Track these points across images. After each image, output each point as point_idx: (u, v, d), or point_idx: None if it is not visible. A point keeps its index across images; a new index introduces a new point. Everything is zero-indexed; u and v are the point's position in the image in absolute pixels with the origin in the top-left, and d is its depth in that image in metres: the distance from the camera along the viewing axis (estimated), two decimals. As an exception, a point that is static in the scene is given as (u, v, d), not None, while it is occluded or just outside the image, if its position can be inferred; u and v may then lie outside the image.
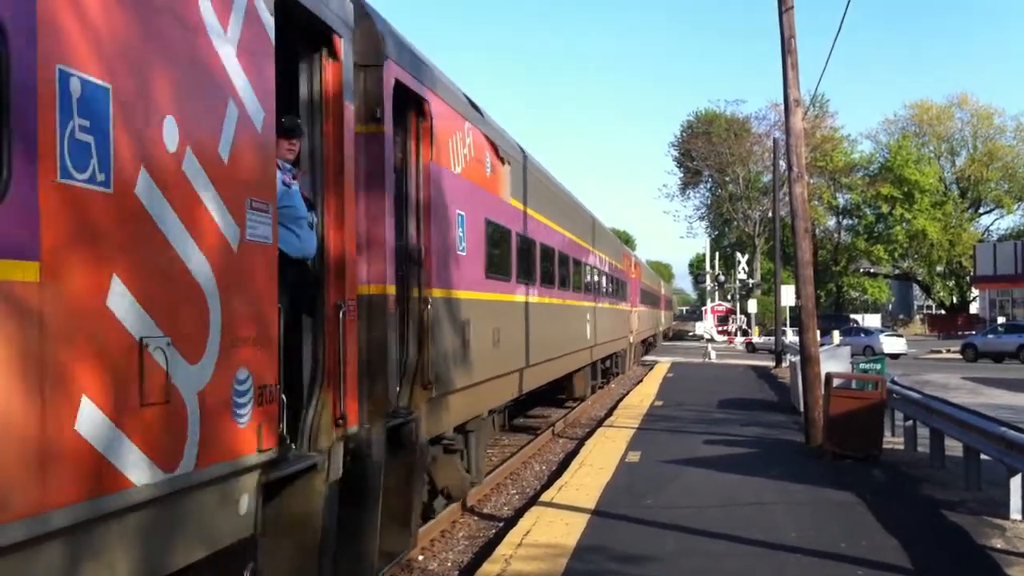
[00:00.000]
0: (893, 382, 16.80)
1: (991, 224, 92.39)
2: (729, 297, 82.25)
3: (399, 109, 8.60)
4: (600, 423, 20.38)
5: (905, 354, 48.94)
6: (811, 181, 71.85)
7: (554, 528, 10.11)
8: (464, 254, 10.88)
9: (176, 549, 4.81)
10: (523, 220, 14.88)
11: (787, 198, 17.49)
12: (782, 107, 17.88)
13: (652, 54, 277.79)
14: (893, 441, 16.36)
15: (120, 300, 4.28)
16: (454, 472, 11.23)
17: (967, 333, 63.41)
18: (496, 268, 12.71)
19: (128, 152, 4.32)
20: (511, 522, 11.19)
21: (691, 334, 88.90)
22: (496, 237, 12.74)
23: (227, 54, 5.28)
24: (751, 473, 13.35)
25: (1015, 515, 10.49)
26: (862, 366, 18.52)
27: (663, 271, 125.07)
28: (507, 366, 13.57)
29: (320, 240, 6.87)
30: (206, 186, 5.01)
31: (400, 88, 8.42)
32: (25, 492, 3.62)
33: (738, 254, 79.01)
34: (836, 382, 15.12)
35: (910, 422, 15.54)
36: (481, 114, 12.08)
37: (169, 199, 4.66)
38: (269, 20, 5.81)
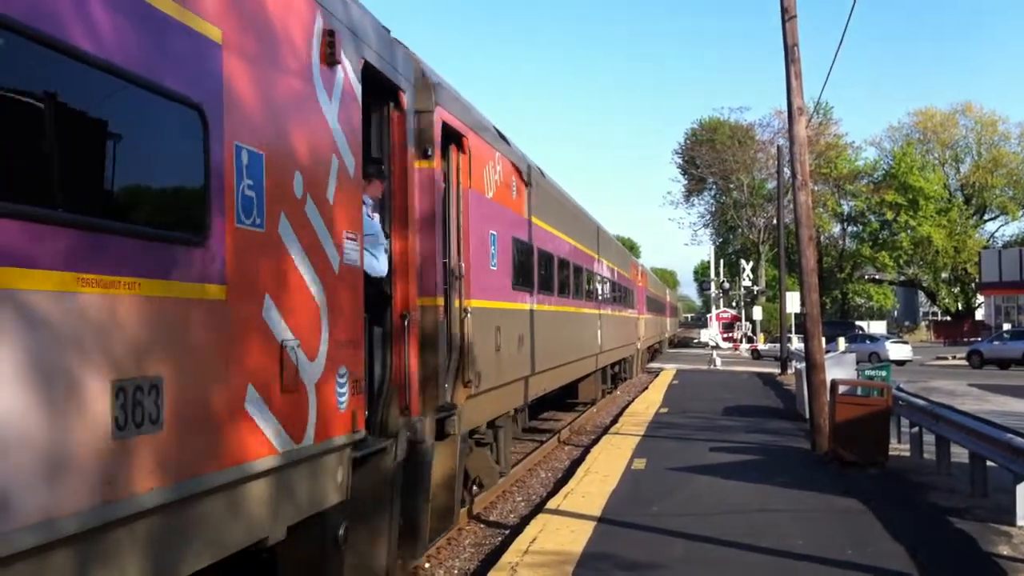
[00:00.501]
0: (899, 389, 16.79)
1: (996, 231, 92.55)
2: (734, 304, 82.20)
3: (444, 145, 9.87)
4: (606, 430, 20.38)
5: (911, 361, 48.86)
6: (815, 188, 71.84)
7: (560, 535, 10.13)
8: (495, 269, 12.37)
9: (299, 506, 6.19)
10: (543, 236, 16.31)
11: (791, 205, 17.51)
12: (786, 114, 17.92)
13: (656, 62, 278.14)
14: (899, 448, 16.35)
15: (269, 312, 5.72)
16: (485, 463, 12.75)
17: (973, 340, 63.31)
18: (521, 280, 14.18)
19: (274, 201, 5.77)
20: (517, 529, 11.21)
21: (696, 341, 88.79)
22: (521, 252, 14.21)
23: (331, 118, 6.74)
24: (757, 480, 13.35)
25: (1022, 522, 10.48)
26: (867, 373, 18.52)
27: (668, 278, 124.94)
28: (531, 368, 14.79)
29: (389, 260, 8.26)
30: (318, 223, 6.48)
31: (446, 128, 9.76)
32: (225, 451, 5.17)
33: (743, 261, 78.94)
34: (842, 389, 15.11)
35: (916, 429, 15.52)
36: (507, 143, 13.51)
37: (296, 235, 6.12)
38: (358, 86, 7.24)
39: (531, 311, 15.01)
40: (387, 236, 8.32)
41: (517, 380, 13.89)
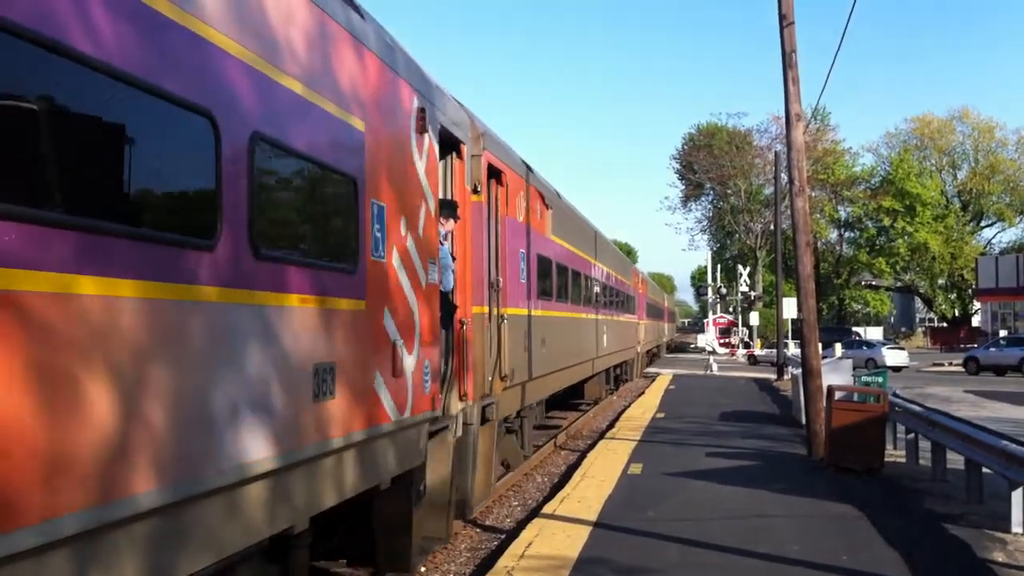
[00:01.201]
0: (895, 395, 16.81)
1: (993, 237, 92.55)
2: (731, 309, 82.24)
3: (488, 180, 12.03)
4: (602, 435, 20.39)
5: (907, 367, 48.94)
6: (813, 194, 71.93)
7: (556, 540, 10.13)
8: (524, 281, 14.64)
9: (403, 461, 8.35)
10: (560, 251, 18.62)
11: (789, 211, 17.53)
12: (783, 120, 17.95)
13: (654, 67, 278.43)
14: (895, 454, 16.37)
15: (387, 319, 7.85)
16: (512, 447, 15.19)
17: (969, 346, 63.41)
18: (543, 291, 16.52)
19: (390, 239, 7.92)
20: (513, 534, 11.20)
21: (693, 346, 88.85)
22: (543, 266, 16.57)
23: (421, 172, 8.84)
24: (753, 486, 13.37)
25: (1016, 528, 10.51)
26: (864, 379, 18.55)
27: (665, 283, 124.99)
28: (550, 367, 17.00)
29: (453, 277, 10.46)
30: (414, 253, 8.61)
31: (490, 167, 12.08)
32: (365, 416, 7.33)
33: (740, 266, 79.01)
34: (838, 395, 15.13)
35: (912, 435, 15.55)
36: (532, 172, 15.78)
37: (402, 263, 8.28)
38: (436, 145, 9.41)
39: (551, 317, 17.18)
40: (452, 258, 10.46)
41: (540, 377, 16.10)
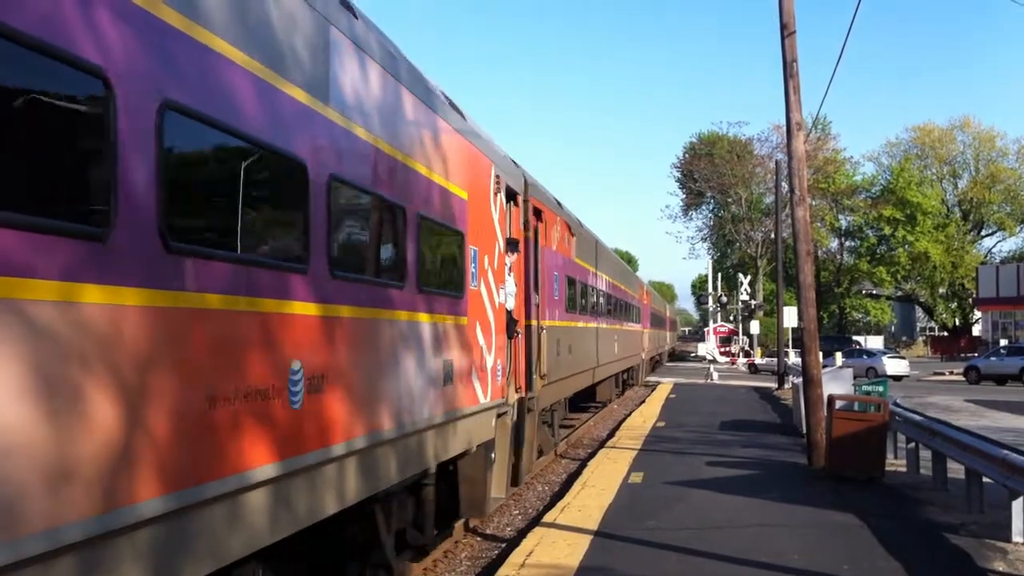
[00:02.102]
0: (895, 404, 16.80)
1: (993, 246, 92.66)
2: (731, 318, 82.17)
3: (534, 217, 15.27)
4: (602, 444, 20.39)
5: (908, 376, 48.89)
6: (813, 203, 71.97)
7: (556, 549, 10.13)
8: (557, 298, 17.87)
9: (483, 434, 11.17)
10: (582, 271, 21.94)
11: (789, 220, 17.54)
12: (784, 129, 17.97)
13: (655, 76, 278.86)
14: (895, 463, 16.37)
15: (478, 331, 10.79)
16: (545, 436, 17.90)
17: (970, 355, 63.34)
18: (570, 306, 19.80)
19: (479, 273, 10.82)
20: (514, 543, 11.21)
21: (693, 355, 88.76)
22: (570, 285, 20.01)
23: (495, 220, 11.91)
24: (754, 495, 13.36)
25: (1017, 538, 10.50)
26: (864, 388, 18.54)
27: (665, 292, 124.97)
28: (574, 369, 20.21)
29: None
30: (491, 281, 11.59)
31: (534, 208, 15.21)
32: (465, 399, 10.19)
33: (740, 275, 78.91)
34: (838, 404, 15.12)
35: (912, 444, 15.54)
36: (562, 206, 19.56)
37: (486, 289, 11.24)
38: (504, 199, 12.58)
39: (575, 328, 20.39)
40: (515, 285, 13.41)
41: (567, 377, 19.11)
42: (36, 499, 3.87)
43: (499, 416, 12.12)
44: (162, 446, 4.68)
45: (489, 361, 11.27)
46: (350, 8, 7.39)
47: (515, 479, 13.83)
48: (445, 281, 9.72)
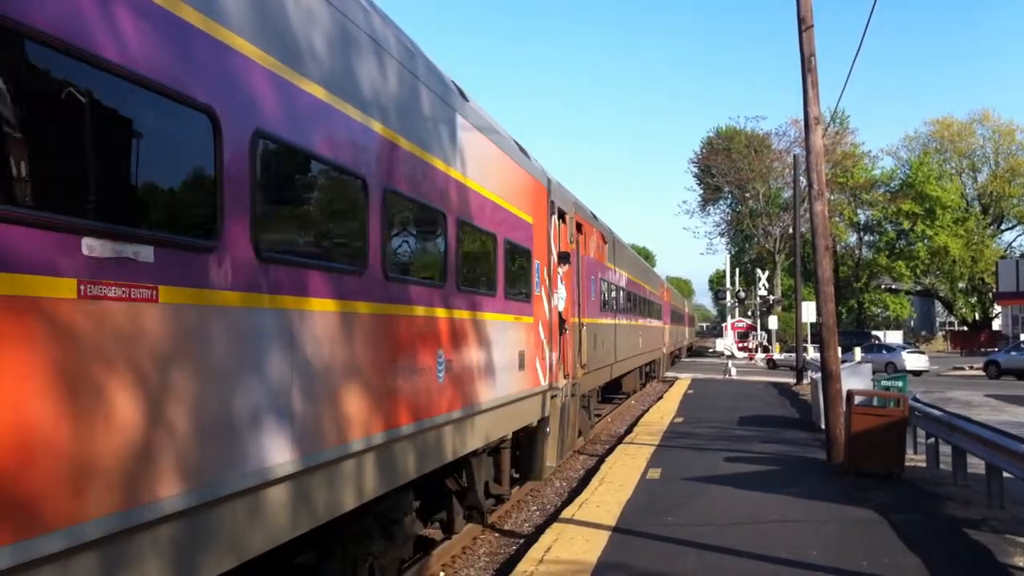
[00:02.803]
0: (915, 399, 16.73)
1: (1013, 240, 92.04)
2: (749, 313, 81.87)
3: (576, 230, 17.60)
4: (620, 440, 20.38)
5: (927, 371, 48.63)
6: (832, 197, 71.61)
7: (575, 545, 10.15)
8: (593, 299, 20.06)
9: (542, 411, 13.72)
10: (613, 275, 24.55)
11: (808, 214, 17.49)
12: (802, 124, 17.91)
13: (673, 70, 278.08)
14: (915, 459, 16.30)
15: (540, 328, 13.55)
16: (584, 419, 20.17)
17: (990, 350, 62.97)
18: (604, 305, 22.33)
19: (540, 281, 13.50)
20: (532, 539, 11.22)
21: (711, 350, 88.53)
22: (605, 287, 22.72)
23: (551, 237, 14.45)
24: (772, 491, 13.34)
25: (1038, 534, 10.44)
26: (884, 383, 18.44)
27: (683, 287, 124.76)
28: (607, 361, 22.79)
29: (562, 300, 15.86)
30: (549, 287, 14.15)
31: (577, 223, 17.52)
32: (529, 382, 12.91)
33: (758, 270, 78.57)
34: (858, 399, 15.08)
35: (932, 439, 15.47)
36: (597, 218, 21.97)
37: (546, 295, 13.97)
38: (556, 218, 15.06)
39: (608, 324, 22.98)
40: (566, 291, 15.96)
41: (601, 368, 21.52)
42: (247, 435, 5.39)
43: (552, 397, 14.59)
44: (372, 401, 7.19)
45: (547, 352, 14.01)
46: (462, 93, 10.25)
47: (562, 451, 16.05)
48: (519, 290, 12.40)
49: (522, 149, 13.40)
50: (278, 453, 5.70)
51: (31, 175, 3.92)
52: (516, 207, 12.22)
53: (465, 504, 11.17)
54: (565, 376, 15.72)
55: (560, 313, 15.20)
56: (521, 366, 12.27)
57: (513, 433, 12.50)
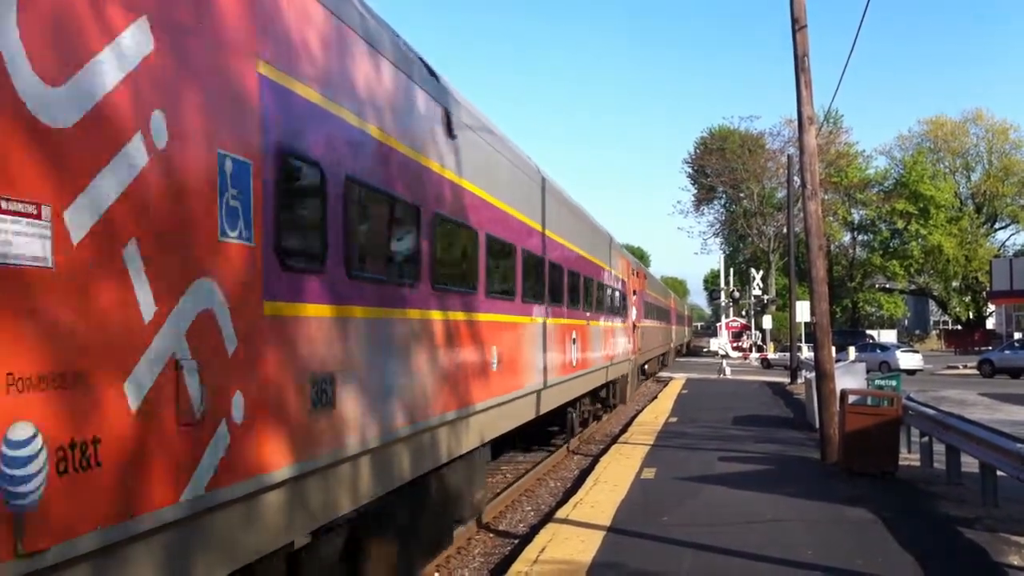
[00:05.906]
0: (909, 398, 16.76)
1: (1007, 239, 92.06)
2: (744, 313, 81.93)
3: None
4: (615, 439, 20.39)
5: (921, 370, 48.70)
6: (826, 197, 71.76)
7: (569, 545, 10.14)
8: (642, 310, 33.50)
9: (625, 370, 28.04)
10: (650, 296, 38.43)
11: (802, 214, 17.50)
12: (796, 123, 17.93)
13: (666, 70, 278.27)
14: (909, 458, 16.32)
15: (630, 328, 28.95)
16: (630, 388, 29.85)
17: (984, 349, 63.05)
18: (648, 314, 37.44)
19: (629, 304, 30.19)
20: (526, 539, 11.21)
21: (706, 350, 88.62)
22: (648, 305, 37.32)
23: (629, 282, 29.97)
24: (767, 490, 13.35)
25: (1032, 532, 10.46)
26: (878, 382, 18.48)
27: (678, 287, 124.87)
28: (646, 347, 35.81)
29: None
30: (631, 307, 29.78)
31: (635, 270, 31.73)
32: (628, 355, 28.39)
33: (753, 270, 78.57)
34: (852, 398, 15.10)
35: (926, 438, 15.50)
36: (640, 264, 35.87)
37: (630, 309, 29.46)
38: (631, 271, 30.41)
39: (648, 326, 35.79)
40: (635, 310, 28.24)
41: (644, 351, 34.48)
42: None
43: (630, 362, 27.12)
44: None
45: (630, 341, 27.37)
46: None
47: (624, 399, 28.04)
48: (621, 309, 25.52)
49: (611, 237, 25.51)
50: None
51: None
52: (623, 276, 26.47)
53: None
54: (633, 353, 29.25)
55: (633, 320, 29.03)
56: (624, 344, 26.14)
57: (609, 381, 23.85)
